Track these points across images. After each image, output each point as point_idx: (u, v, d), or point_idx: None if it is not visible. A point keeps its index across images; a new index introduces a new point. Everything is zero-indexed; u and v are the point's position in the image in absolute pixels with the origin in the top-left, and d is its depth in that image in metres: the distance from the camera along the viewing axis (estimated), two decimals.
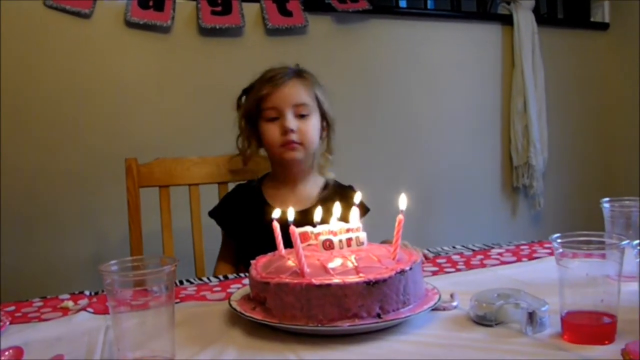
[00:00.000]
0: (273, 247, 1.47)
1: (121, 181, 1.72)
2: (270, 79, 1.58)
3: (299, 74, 1.63)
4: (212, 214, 1.70)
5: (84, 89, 2.25)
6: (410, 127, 2.86)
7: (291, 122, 1.55)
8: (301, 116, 1.58)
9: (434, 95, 2.90)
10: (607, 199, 1.15)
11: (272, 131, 1.57)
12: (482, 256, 1.38)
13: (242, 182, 1.76)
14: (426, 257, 1.36)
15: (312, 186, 1.67)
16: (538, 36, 3.04)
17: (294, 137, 1.55)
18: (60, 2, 2.17)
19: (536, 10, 3.11)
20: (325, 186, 1.67)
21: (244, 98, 1.67)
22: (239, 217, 1.65)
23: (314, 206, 1.58)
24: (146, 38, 2.32)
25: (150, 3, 2.29)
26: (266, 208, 1.54)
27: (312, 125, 1.60)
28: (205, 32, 2.38)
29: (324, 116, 1.65)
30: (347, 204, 1.58)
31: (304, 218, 1.48)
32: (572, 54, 3.24)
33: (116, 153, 1.92)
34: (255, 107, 1.59)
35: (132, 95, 2.32)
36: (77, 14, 2.20)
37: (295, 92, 1.58)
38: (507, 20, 3.04)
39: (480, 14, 3.11)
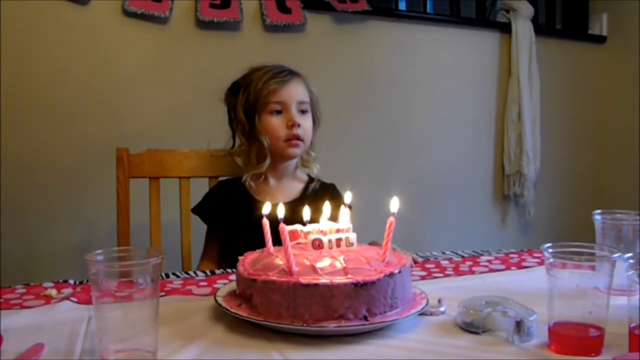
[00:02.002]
0: (260, 243, 1.46)
1: (112, 171, 1.70)
2: (277, 75, 1.62)
3: (297, 73, 1.68)
4: (197, 210, 1.70)
5: (78, 76, 2.23)
6: (405, 130, 2.86)
7: (297, 117, 1.60)
8: (302, 113, 1.62)
9: (429, 99, 2.90)
10: (599, 211, 1.15)
11: (276, 124, 1.60)
12: (471, 262, 1.38)
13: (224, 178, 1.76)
14: (415, 262, 1.37)
15: (298, 181, 1.71)
16: (535, 46, 3.05)
17: (298, 131, 1.59)
18: None
19: (535, 20, 3.11)
20: (310, 180, 1.71)
21: (238, 91, 1.66)
22: (224, 213, 1.66)
23: (299, 199, 1.62)
24: (143, 28, 2.30)
25: None
26: (253, 203, 1.55)
27: (310, 122, 1.65)
28: (203, 25, 2.36)
29: (313, 115, 1.69)
30: (331, 201, 1.61)
31: (291, 211, 1.49)
32: (568, 65, 3.25)
33: (109, 142, 1.90)
34: (257, 100, 1.61)
35: (127, 84, 2.30)
36: (75, 1, 2.18)
37: (299, 89, 1.64)
38: (505, 28, 3.05)
39: (479, 20, 3.11)
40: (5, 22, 2.11)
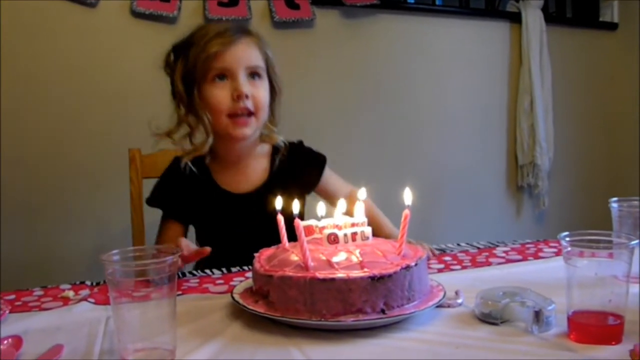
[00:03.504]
0: (231, 235, 1.42)
1: (125, 171, 1.71)
2: (219, 35, 1.36)
3: (249, 32, 1.43)
4: (153, 201, 1.51)
5: (88, 78, 2.24)
6: (416, 123, 2.85)
7: (245, 86, 1.35)
8: (253, 78, 1.39)
9: (440, 91, 2.89)
10: (615, 198, 1.13)
11: (220, 96, 1.36)
12: (487, 254, 1.37)
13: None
14: (433, 253, 1.34)
15: (260, 158, 1.51)
16: (546, 35, 3.03)
17: (247, 104, 1.36)
18: None
19: (545, 9, 3.09)
20: (274, 152, 1.51)
21: (172, 56, 1.46)
22: (184, 200, 1.46)
23: (270, 182, 1.47)
24: (152, 28, 2.30)
25: None
26: (213, 187, 1.45)
27: (265, 91, 1.41)
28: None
29: (271, 82, 1.45)
30: (307, 167, 1.54)
31: (253, 200, 1.44)
32: (580, 53, 3.22)
33: (120, 143, 1.91)
34: (197, 67, 1.36)
35: (137, 84, 2.31)
36: (83, 3, 2.19)
37: (248, 52, 1.38)
38: (515, 18, 3.03)
39: (488, 11, 3.10)
40: (15, 25, 2.13)
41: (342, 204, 1.10)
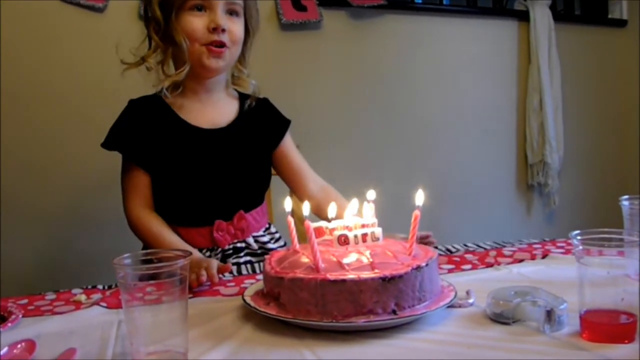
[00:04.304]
0: (195, 174, 1.41)
1: None
2: None
3: None
4: (111, 143, 1.43)
5: (97, 82, 2.25)
6: (425, 124, 2.85)
7: (222, 18, 1.35)
8: (231, 15, 1.39)
9: (448, 92, 2.88)
10: (626, 196, 1.13)
11: (196, 24, 1.35)
12: (495, 253, 1.36)
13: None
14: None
15: (230, 99, 1.52)
16: (555, 33, 3.02)
17: (223, 37, 1.36)
18: None
19: (553, 7, 3.08)
20: (243, 97, 1.53)
21: None
22: (147, 141, 1.41)
23: (238, 121, 1.48)
24: None
25: None
26: (180, 124, 1.42)
27: (241, 27, 1.41)
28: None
29: (246, 22, 1.44)
30: (271, 120, 1.55)
31: (230, 135, 1.45)
32: (589, 50, 3.21)
33: None
34: None
35: (145, 90, 2.30)
36: (91, 8, 2.21)
37: None
38: (523, 17, 3.02)
39: (496, 9, 3.09)
40: (23, 29, 2.14)
41: (354, 205, 1.10)
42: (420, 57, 2.82)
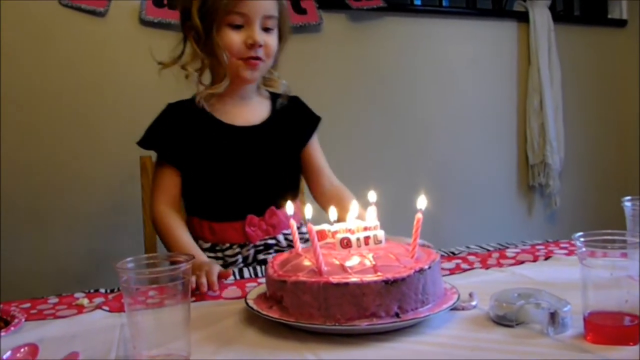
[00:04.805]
0: (230, 170, 1.45)
1: (136, 179, 1.72)
2: None
3: None
4: (146, 142, 1.50)
5: (98, 86, 2.26)
6: (425, 125, 2.85)
7: (260, 35, 1.40)
8: (266, 29, 1.43)
9: (449, 93, 2.88)
10: (628, 197, 1.13)
11: (235, 40, 1.40)
12: (497, 255, 1.36)
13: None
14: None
15: (262, 98, 1.57)
16: (554, 33, 3.02)
17: (259, 52, 1.41)
18: (76, 0, 2.18)
19: (552, 8, 3.08)
20: (274, 96, 1.57)
21: None
22: (182, 139, 1.47)
23: (271, 119, 1.53)
24: (161, 36, 2.31)
25: (165, 1, 2.30)
26: (217, 125, 1.47)
27: (276, 39, 1.47)
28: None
29: (280, 30, 1.50)
30: (303, 117, 1.61)
31: (259, 133, 1.49)
32: (589, 51, 3.21)
33: (131, 151, 1.92)
34: (216, 8, 1.39)
35: (147, 93, 2.31)
36: (92, 13, 2.21)
37: (267, 2, 1.42)
38: (522, 18, 3.02)
39: (495, 11, 3.09)
40: (26, 35, 2.15)
41: (354, 207, 1.10)
42: (420, 58, 2.82)
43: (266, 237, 1.50)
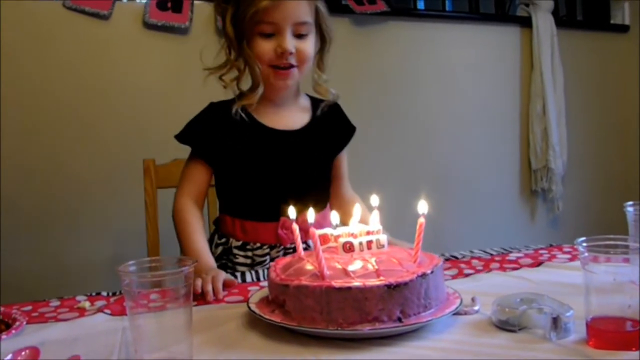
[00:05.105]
0: (267, 172, 1.45)
1: (139, 182, 1.72)
2: None
3: None
4: (183, 136, 1.48)
5: (102, 89, 2.26)
6: (428, 129, 2.85)
7: (289, 42, 1.37)
8: (300, 35, 1.40)
9: (452, 97, 2.89)
10: (630, 202, 1.12)
11: (266, 49, 1.38)
12: (500, 259, 1.36)
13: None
14: None
15: (303, 102, 1.55)
16: (557, 38, 3.03)
17: (291, 59, 1.38)
18: (79, 3, 2.19)
19: (555, 13, 3.09)
20: (314, 101, 1.56)
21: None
22: (221, 138, 1.46)
23: (311, 124, 1.52)
24: (164, 39, 2.32)
25: (169, 4, 2.30)
26: (256, 125, 1.46)
27: (310, 45, 1.42)
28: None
29: (321, 31, 1.46)
30: (341, 126, 1.61)
31: (299, 138, 1.49)
32: (591, 56, 3.21)
33: (134, 154, 1.93)
34: (245, 18, 1.37)
35: (150, 96, 2.32)
36: (96, 15, 2.22)
37: (298, 8, 1.38)
38: (525, 22, 3.02)
39: (498, 15, 3.09)
40: (30, 37, 2.15)
41: (357, 211, 1.10)
42: (424, 63, 2.82)
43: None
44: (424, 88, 2.83)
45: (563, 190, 3.08)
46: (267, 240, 1.47)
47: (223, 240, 1.50)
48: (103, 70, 2.26)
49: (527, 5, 3.06)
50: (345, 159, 1.65)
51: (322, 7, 1.45)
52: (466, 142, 2.93)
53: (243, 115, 1.44)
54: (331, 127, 1.57)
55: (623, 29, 3.27)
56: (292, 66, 1.40)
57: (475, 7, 3.05)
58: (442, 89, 2.87)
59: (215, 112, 1.48)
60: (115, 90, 2.28)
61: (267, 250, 1.46)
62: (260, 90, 1.42)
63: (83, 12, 2.20)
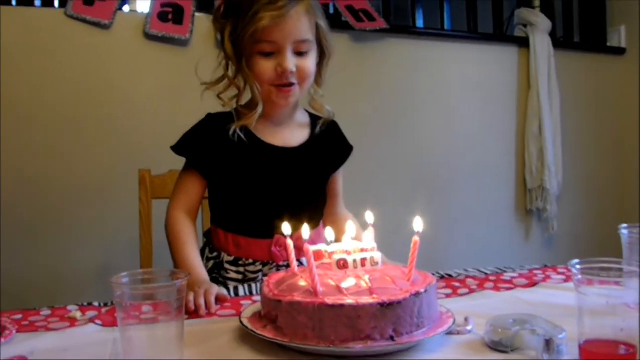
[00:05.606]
0: (264, 189, 1.44)
1: (134, 192, 1.72)
2: (271, 2, 1.32)
3: None
4: (179, 148, 1.46)
5: (100, 98, 2.26)
6: (424, 147, 2.85)
7: (290, 62, 1.35)
8: (300, 53, 1.37)
9: (448, 115, 2.90)
10: (625, 225, 1.12)
11: (266, 68, 1.36)
12: (494, 279, 1.36)
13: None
14: None
15: (302, 119, 1.54)
16: (554, 59, 3.04)
17: (291, 78, 1.36)
18: (81, 12, 2.19)
19: (552, 34, 3.11)
20: (313, 118, 1.54)
21: (228, 13, 1.41)
22: (218, 152, 1.43)
23: (310, 142, 1.50)
24: (164, 50, 2.33)
25: (170, 16, 2.31)
26: (254, 140, 1.44)
27: (311, 63, 1.40)
28: None
29: (321, 47, 1.44)
30: (338, 144, 1.60)
31: (296, 155, 1.48)
32: (588, 77, 3.23)
33: (131, 164, 1.93)
34: (244, 37, 1.35)
35: (149, 106, 2.33)
36: (97, 25, 2.22)
37: (298, 27, 1.35)
38: (523, 43, 3.04)
39: (496, 35, 3.11)
40: (31, 45, 2.16)
41: (350, 228, 1.10)
42: (421, 80, 2.83)
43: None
44: (421, 105, 2.84)
45: (558, 211, 3.09)
46: (260, 257, 1.45)
47: (215, 254, 1.49)
48: (102, 80, 2.26)
49: (525, 25, 3.08)
50: (341, 177, 1.65)
51: (323, 23, 1.43)
52: (462, 160, 2.93)
53: (241, 134, 1.42)
54: (329, 145, 1.56)
55: (619, 51, 3.29)
56: (293, 84, 1.38)
57: (473, 26, 3.06)
58: (439, 106, 2.88)
59: (213, 124, 1.46)
60: (114, 99, 2.28)
61: (260, 267, 1.45)
62: (260, 109, 1.40)
63: (84, 21, 2.20)
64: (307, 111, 1.57)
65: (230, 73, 1.43)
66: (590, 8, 3.33)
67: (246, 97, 1.46)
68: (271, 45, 1.34)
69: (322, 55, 1.46)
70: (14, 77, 2.14)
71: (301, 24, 1.36)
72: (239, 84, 1.44)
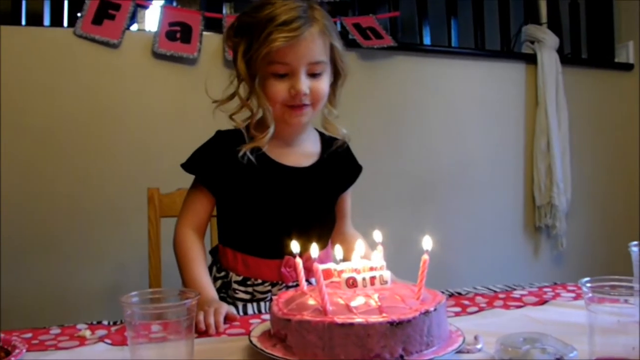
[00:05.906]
0: (274, 208, 1.43)
1: (143, 210, 1.72)
2: (288, 24, 1.30)
3: (315, 18, 1.35)
4: (188, 165, 1.45)
5: (109, 117, 2.28)
6: (432, 163, 2.85)
7: (304, 83, 1.34)
8: (314, 75, 1.36)
9: (456, 132, 2.90)
10: (635, 242, 1.12)
11: (279, 89, 1.35)
12: (504, 296, 1.35)
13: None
14: None
15: (313, 139, 1.53)
16: (562, 76, 3.04)
17: (305, 100, 1.35)
18: (90, 31, 2.22)
19: (560, 50, 3.11)
20: (326, 140, 1.53)
21: (241, 32, 1.40)
22: (227, 170, 1.42)
23: (320, 161, 1.50)
24: (173, 69, 2.35)
25: (178, 35, 2.33)
26: (264, 159, 1.43)
27: (325, 84, 1.39)
28: (232, 65, 2.39)
29: (335, 66, 1.43)
30: (349, 167, 1.60)
31: (307, 176, 1.48)
32: (596, 94, 3.22)
33: (139, 183, 1.94)
34: (257, 58, 1.33)
35: (157, 125, 2.34)
36: (106, 44, 2.24)
37: (312, 48, 1.34)
38: (531, 59, 3.04)
39: (504, 52, 3.11)
40: (40, 65, 2.18)
41: (360, 247, 1.10)
42: (429, 98, 2.84)
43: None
44: (429, 122, 2.84)
45: (567, 227, 3.07)
46: (269, 277, 1.44)
47: (222, 273, 1.48)
48: (111, 99, 2.28)
49: (532, 42, 3.08)
50: (350, 197, 1.64)
51: (338, 44, 1.41)
52: (470, 177, 2.93)
53: (251, 157, 1.40)
54: (339, 165, 1.56)
55: (627, 67, 3.29)
56: (306, 105, 1.38)
57: (481, 43, 3.07)
58: (447, 123, 2.88)
59: (223, 142, 1.45)
60: (122, 118, 2.30)
61: (269, 287, 1.44)
62: (272, 131, 1.39)
63: (93, 40, 2.23)
64: (317, 130, 1.56)
65: (242, 92, 1.42)
66: (598, 24, 3.34)
67: (257, 117, 1.46)
68: (285, 67, 1.34)
69: (337, 76, 1.45)
70: (22, 95, 2.16)
71: (315, 46, 1.34)
72: (252, 107, 1.43)
